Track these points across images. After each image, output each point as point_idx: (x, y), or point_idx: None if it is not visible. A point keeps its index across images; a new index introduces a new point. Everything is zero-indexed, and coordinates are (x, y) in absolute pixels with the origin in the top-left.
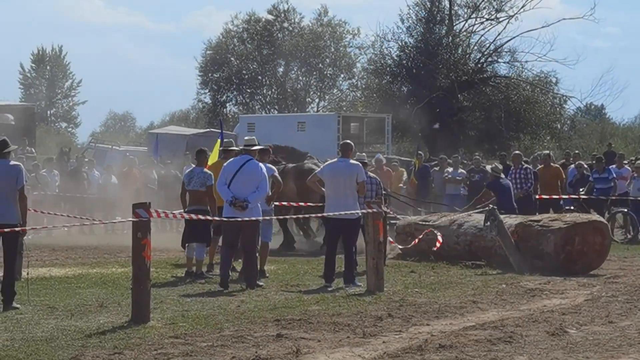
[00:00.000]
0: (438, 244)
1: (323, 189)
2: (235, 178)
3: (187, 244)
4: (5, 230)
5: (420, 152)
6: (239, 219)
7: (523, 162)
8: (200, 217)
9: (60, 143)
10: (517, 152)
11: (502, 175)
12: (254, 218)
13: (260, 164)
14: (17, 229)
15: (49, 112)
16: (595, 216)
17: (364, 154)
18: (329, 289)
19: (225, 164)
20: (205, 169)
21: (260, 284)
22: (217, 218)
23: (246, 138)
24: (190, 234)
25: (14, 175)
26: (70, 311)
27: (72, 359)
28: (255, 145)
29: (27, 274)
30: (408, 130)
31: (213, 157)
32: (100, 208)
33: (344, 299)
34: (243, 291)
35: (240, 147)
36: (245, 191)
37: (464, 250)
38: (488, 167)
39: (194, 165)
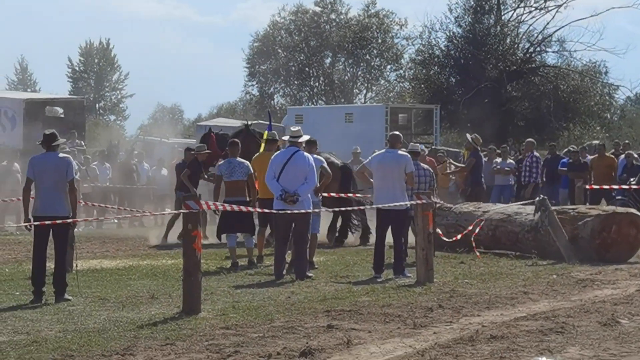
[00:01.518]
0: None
1: (371, 179)
2: (284, 171)
3: (226, 235)
4: (56, 222)
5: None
6: (289, 212)
7: (534, 150)
8: (251, 209)
9: (109, 136)
10: (530, 139)
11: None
12: (304, 210)
13: (308, 155)
14: (67, 220)
15: (97, 105)
16: (632, 210)
17: (417, 144)
18: (379, 280)
19: (272, 157)
20: (242, 160)
21: (310, 275)
22: (266, 210)
23: (292, 129)
24: (232, 224)
25: (63, 168)
26: (121, 302)
27: (125, 350)
28: (301, 136)
29: (76, 266)
30: (456, 121)
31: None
32: (150, 200)
33: (394, 290)
34: (293, 282)
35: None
36: (294, 183)
37: (487, 235)
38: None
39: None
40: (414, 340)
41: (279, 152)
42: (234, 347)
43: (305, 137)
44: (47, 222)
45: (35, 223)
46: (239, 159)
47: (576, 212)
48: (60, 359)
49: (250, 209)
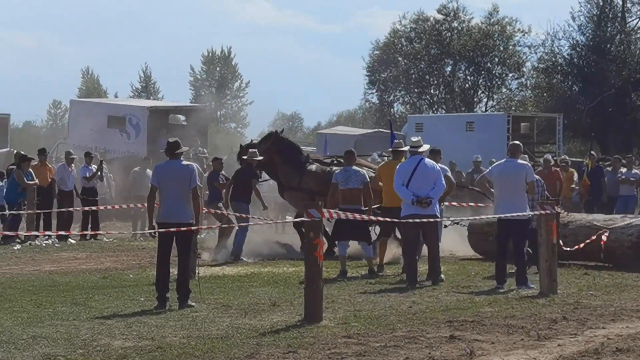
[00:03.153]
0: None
1: (492, 190)
2: (413, 178)
3: (338, 242)
4: (180, 229)
5: (592, 152)
6: (416, 219)
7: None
8: (372, 217)
9: (230, 143)
10: (546, 156)
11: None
12: (432, 214)
13: (433, 162)
14: (191, 228)
15: (218, 112)
16: None
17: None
18: (501, 290)
19: (398, 166)
20: (357, 168)
21: (442, 278)
22: (394, 219)
23: (412, 139)
24: (346, 232)
25: (187, 176)
26: (243, 309)
27: (247, 357)
28: (421, 146)
29: (198, 272)
30: (579, 130)
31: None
32: (272, 207)
33: (517, 301)
34: (414, 292)
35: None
36: (423, 190)
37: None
38: None
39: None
40: (538, 353)
41: (404, 161)
42: (356, 356)
43: (425, 147)
44: (171, 229)
45: (160, 230)
46: (355, 167)
47: None
48: None
49: (368, 217)
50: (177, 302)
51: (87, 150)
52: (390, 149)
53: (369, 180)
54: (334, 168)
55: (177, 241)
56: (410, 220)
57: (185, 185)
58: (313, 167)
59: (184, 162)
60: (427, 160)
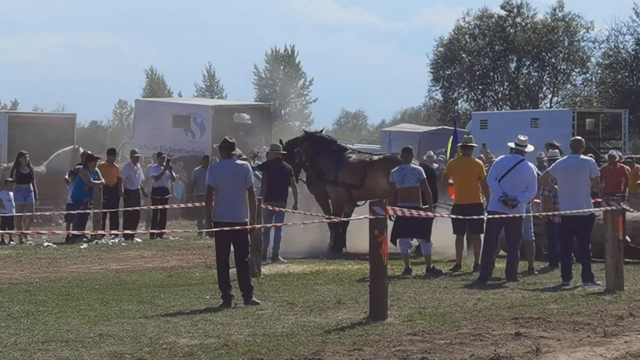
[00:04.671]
0: None
1: (555, 186)
2: (508, 176)
3: (399, 240)
4: (236, 227)
5: None
6: (504, 215)
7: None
8: (445, 215)
9: None
10: (611, 152)
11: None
12: (518, 215)
13: (533, 166)
14: (246, 226)
15: (282, 111)
16: None
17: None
18: (567, 287)
19: (497, 161)
20: (414, 165)
21: (536, 273)
22: (453, 214)
23: (520, 138)
24: (407, 229)
25: (242, 175)
26: (309, 307)
27: (313, 354)
28: (527, 146)
29: (258, 273)
30: None
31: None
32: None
33: (583, 298)
34: (480, 289)
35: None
36: (514, 190)
37: None
38: None
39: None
40: (605, 350)
41: (504, 157)
42: (421, 353)
43: (530, 148)
44: (226, 229)
45: (214, 229)
46: (412, 165)
47: None
48: None
49: (429, 214)
50: (242, 300)
51: (152, 149)
52: (460, 144)
53: (425, 177)
54: (374, 156)
55: (234, 240)
56: (497, 216)
57: (241, 185)
58: (351, 157)
59: (239, 162)
60: (527, 162)
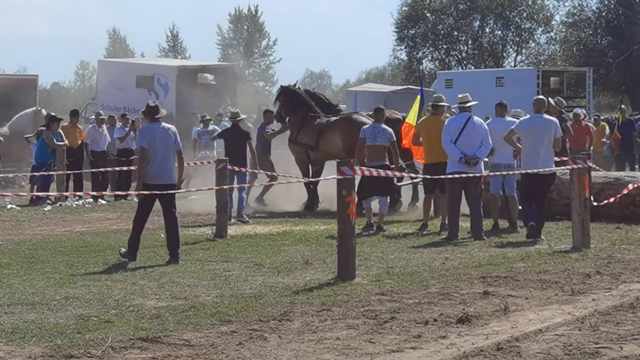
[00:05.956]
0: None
1: (519, 144)
2: (461, 135)
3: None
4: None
5: (622, 106)
6: (464, 175)
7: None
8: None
9: (258, 102)
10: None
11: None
12: (477, 172)
13: (481, 120)
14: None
15: (246, 71)
16: None
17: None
18: (534, 229)
19: (446, 123)
20: (384, 126)
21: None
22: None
23: (460, 96)
24: (372, 188)
25: (172, 138)
26: (276, 268)
27: (282, 315)
28: (469, 101)
29: (224, 234)
30: (609, 84)
31: (412, 114)
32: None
33: (550, 256)
34: (447, 248)
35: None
36: (471, 148)
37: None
38: None
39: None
40: (573, 307)
41: (452, 117)
42: (390, 313)
43: (472, 103)
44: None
45: (146, 192)
46: (383, 125)
47: None
48: (218, 324)
49: (396, 173)
50: (207, 262)
51: (115, 110)
52: (430, 104)
53: (395, 139)
54: (331, 118)
55: (162, 201)
56: (457, 176)
57: (171, 147)
58: (316, 121)
59: (165, 125)
60: (476, 118)
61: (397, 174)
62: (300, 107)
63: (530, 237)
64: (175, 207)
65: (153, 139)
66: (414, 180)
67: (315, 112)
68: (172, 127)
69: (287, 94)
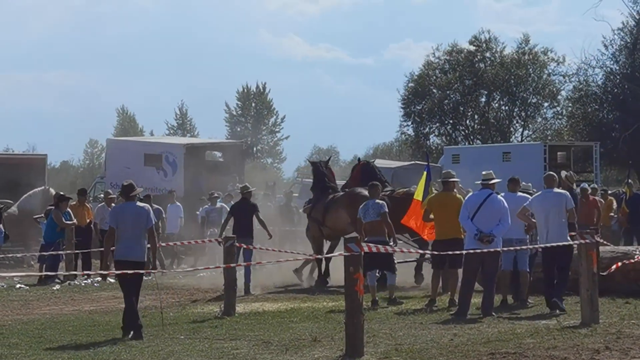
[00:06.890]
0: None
1: (533, 219)
2: (479, 212)
3: (367, 272)
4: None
5: (630, 180)
6: (479, 251)
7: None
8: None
9: (266, 178)
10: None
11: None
12: (493, 249)
13: (502, 198)
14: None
15: (254, 148)
16: None
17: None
18: (561, 314)
19: (467, 198)
20: (377, 200)
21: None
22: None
23: (484, 173)
24: (372, 262)
25: (143, 217)
26: (284, 346)
27: None
28: (492, 179)
29: (233, 311)
30: (616, 158)
31: (419, 190)
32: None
33: (559, 332)
34: (456, 324)
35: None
36: (488, 225)
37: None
38: None
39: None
40: None
41: (473, 193)
42: None
43: (496, 180)
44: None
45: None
46: (377, 200)
47: None
48: None
49: (394, 248)
50: (215, 340)
51: None
52: (440, 180)
53: (386, 210)
54: (338, 194)
55: (130, 277)
56: (472, 251)
57: (142, 226)
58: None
59: (139, 204)
60: (496, 195)
61: (397, 249)
62: (319, 182)
63: (552, 309)
64: (139, 285)
65: (123, 217)
66: (424, 257)
67: (330, 187)
68: (146, 206)
69: (313, 168)
